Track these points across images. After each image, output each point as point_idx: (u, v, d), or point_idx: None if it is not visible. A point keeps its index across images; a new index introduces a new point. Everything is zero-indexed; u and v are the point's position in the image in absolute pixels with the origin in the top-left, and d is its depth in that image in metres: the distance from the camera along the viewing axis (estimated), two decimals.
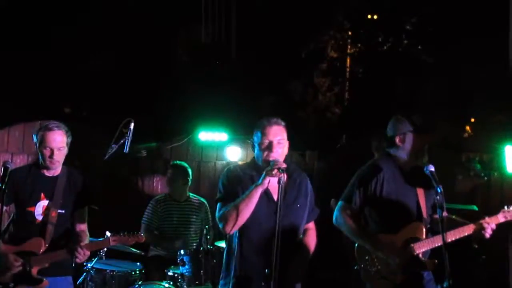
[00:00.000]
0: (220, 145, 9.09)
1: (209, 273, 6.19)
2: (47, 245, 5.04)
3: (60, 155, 5.10)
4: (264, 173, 4.52)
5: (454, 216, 5.21)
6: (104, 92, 10.07)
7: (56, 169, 5.18)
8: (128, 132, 5.45)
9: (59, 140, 5.07)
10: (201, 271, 6.20)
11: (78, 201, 5.25)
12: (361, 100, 11.35)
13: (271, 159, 4.61)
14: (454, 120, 9.87)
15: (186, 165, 7.63)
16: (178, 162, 7.73)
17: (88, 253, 5.12)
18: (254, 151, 4.84)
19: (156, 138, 8.85)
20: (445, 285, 4.54)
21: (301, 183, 4.93)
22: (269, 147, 4.64)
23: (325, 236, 5.36)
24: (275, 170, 4.43)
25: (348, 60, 12.30)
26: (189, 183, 7.55)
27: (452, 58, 10.05)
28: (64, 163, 5.23)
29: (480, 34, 9.64)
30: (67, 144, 5.13)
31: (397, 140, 5.13)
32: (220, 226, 4.65)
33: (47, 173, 5.16)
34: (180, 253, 6.34)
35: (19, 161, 8.28)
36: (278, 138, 4.68)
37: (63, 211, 5.15)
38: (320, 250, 5.14)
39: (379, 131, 6.10)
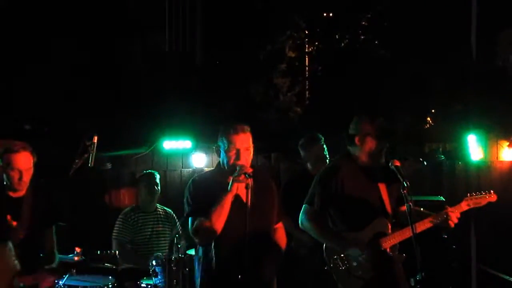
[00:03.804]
0: (185, 152, 9.04)
1: (182, 282, 6.17)
2: None
3: (28, 176, 5.07)
4: (231, 180, 4.53)
5: (422, 209, 5.28)
6: (64, 106, 9.95)
7: (22, 190, 5.13)
8: (92, 146, 5.42)
9: (26, 162, 5.05)
10: (174, 281, 6.18)
11: (46, 220, 5.20)
12: (322, 98, 11.36)
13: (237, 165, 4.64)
14: (415, 111, 9.92)
15: (154, 172, 7.59)
16: (146, 171, 7.68)
17: (51, 279, 5.09)
18: (219, 156, 4.85)
19: (119, 149, 8.76)
20: (417, 278, 4.59)
21: (267, 184, 4.97)
22: (237, 155, 4.69)
23: None
24: (242, 176, 4.48)
25: (307, 59, 12.29)
26: (158, 192, 7.51)
27: (410, 49, 10.08)
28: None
29: (440, 22, 9.64)
30: (34, 164, 5.10)
31: (356, 139, 5.17)
32: (196, 240, 4.64)
33: (12, 194, 5.10)
34: (152, 264, 6.32)
35: None
36: (245, 145, 4.73)
37: (31, 232, 5.10)
38: None
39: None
